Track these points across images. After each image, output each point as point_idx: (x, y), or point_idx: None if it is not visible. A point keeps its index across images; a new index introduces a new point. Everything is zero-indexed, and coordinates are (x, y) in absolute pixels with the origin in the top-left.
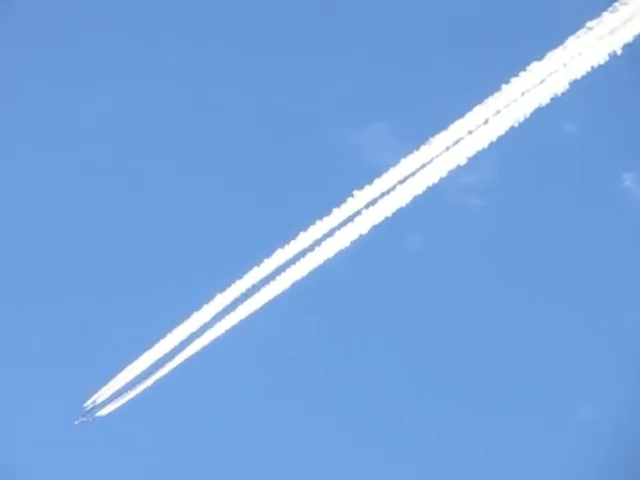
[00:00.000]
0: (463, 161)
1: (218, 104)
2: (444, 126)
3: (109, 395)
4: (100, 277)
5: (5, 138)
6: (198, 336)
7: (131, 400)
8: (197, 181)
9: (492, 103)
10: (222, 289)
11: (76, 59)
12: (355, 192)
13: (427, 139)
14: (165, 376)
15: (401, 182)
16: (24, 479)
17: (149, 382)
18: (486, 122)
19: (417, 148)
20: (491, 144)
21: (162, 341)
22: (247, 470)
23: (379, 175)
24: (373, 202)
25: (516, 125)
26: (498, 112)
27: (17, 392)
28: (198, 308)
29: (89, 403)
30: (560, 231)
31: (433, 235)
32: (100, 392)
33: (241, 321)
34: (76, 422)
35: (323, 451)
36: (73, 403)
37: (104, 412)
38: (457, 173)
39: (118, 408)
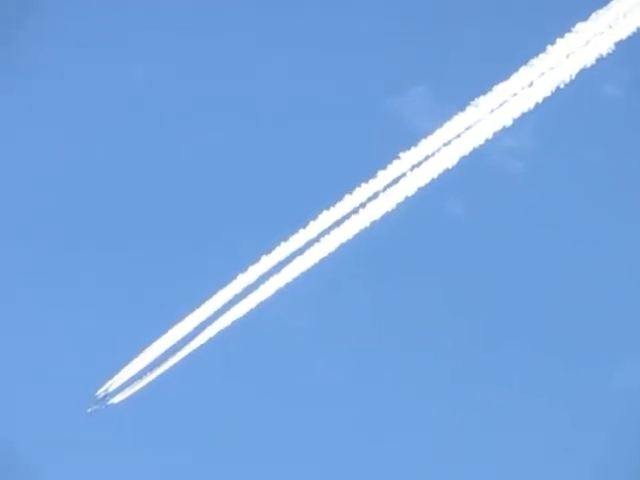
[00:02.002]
0: (505, 125)
1: (256, 71)
2: (487, 89)
3: (122, 382)
4: (147, 242)
5: (38, 108)
6: (239, 301)
7: (156, 379)
8: (238, 147)
9: (538, 64)
10: (268, 251)
11: (108, 26)
12: (400, 155)
13: (468, 103)
14: (187, 356)
15: (441, 147)
16: (37, 467)
17: (171, 363)
18: (531, 85)
19: (458, 112)
20: (533, 107)
21: (207, 303)
22: (284, 448)
23: (419, 140)
24: (414, 167)
25: (561, 87)
26: (543, 74)
27: (30, 380)
28: (244, 270)
29: (101, 391)
30: (602, 193)
31: (474, 199)
32: (114, 379)
33: (286, 284)
34: (88, 410)
35: (370, 417)
36: (87, 390)
37: (117, 400)
38: (498, 137)
39: (134, 394)
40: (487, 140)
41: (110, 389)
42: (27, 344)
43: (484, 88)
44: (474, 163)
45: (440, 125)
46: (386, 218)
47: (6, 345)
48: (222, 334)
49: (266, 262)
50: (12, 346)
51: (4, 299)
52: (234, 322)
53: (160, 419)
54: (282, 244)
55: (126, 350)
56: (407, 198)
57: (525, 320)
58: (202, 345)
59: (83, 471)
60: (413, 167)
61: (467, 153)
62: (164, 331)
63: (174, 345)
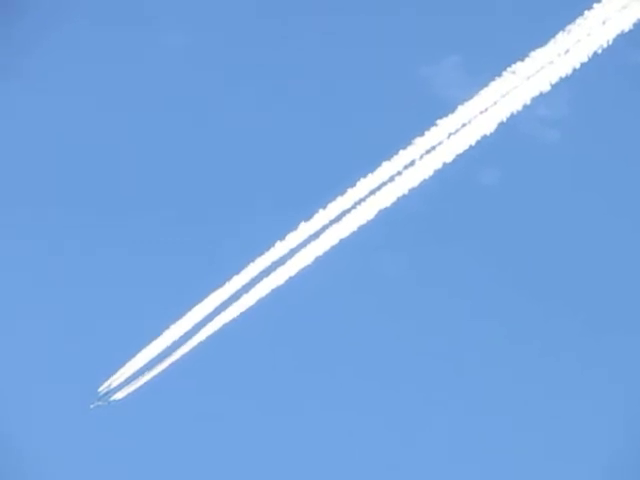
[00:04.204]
0: (539, 93)
1: (289, 40)
2: (521, 56)
3: (125, 378)
4: (181, 206)
5: (76, 79)
6: (276, 269)
7: (159, 374)
8: (277, 114)
9: (575, 30)
10: (307, 218)
11: None
12: (437, 122)
13: (502, 73)
14: (198, 346)
15: (475, 116)
16: (40, 463)
17: (174, 357)
18: (567, 51)
19: (495, 78)
20: (567, 75)
21: (245, 270)
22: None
23: (453, 109)
24: (449, 135)
25: (598, 52)
26: (579, 41)
27: (33, 376)
28: (282, 237)
29: (104, 387)
30: (637, 162)
31: (508, 169)
32: (116, 375)
33: (325, 252)
34: (91, 406)
35: (410, 381)
36: (90, 386)
37: (119, 396)
38: (533, 106)
39: (136, 390)
40: (524, 106)
41: (112, 385)
42: (28, 341)
43: (519, 56)
44: (509, 132)
45: (476, 92)
46: (423, 186)
47: (7, 343)
48: (248, 312)
49: (305, 229)
50: (13, 344)
51: (6, 297)
52: (270, 292)
53: (164, 415)
54: (320, 211)
55: (129, 346)
56: (444, 165)
57: (561, 289)
58: (213, 334)
59: (86, 467)
60: (450, 134)
61: (505, 119)
62: (166, 327)
63: (176, 341)
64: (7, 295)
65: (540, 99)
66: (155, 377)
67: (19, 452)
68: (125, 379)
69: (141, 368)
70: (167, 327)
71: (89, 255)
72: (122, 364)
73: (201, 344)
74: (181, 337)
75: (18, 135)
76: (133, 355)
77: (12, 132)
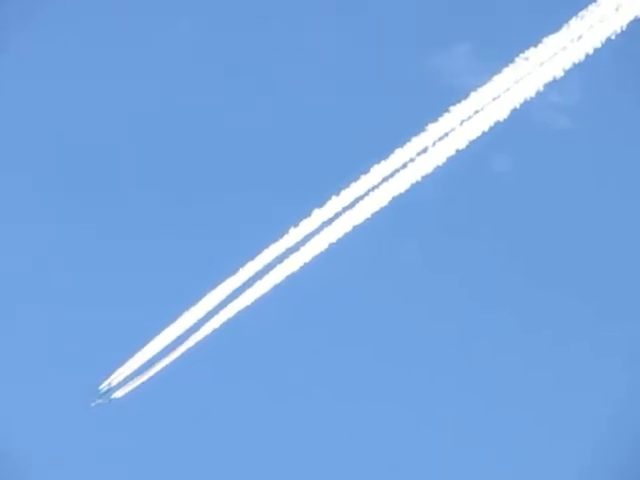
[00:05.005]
0: (552, 79)
1: (303, 27)
2: (532, 43)
3: (126, 376)
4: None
5: (88, 65)
6: (290, 255)
7: (158, 373)
8: (292, 103)
9: (588, 16)
10: (320, 205)
11: None
12: (450, 109)
13: (513, 59)
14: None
15: (488, 102)
16: (41, 461)
17: (176, 354)
18: (580, 37)
19: (508, 64)
20: (580, 61)
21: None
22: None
23: (465, 96)
24: (461, 122)
25: (612, 38)
26: (592, 27)
27: (34, 374)
28: (296, 224)
29: (104, 385)
30: None
31: (520, 156)
32: (117, 373)
33: (338, 239)
34: (92, 404)
35: (422, 366)
36: (92, 384)
37: (120, 394)
38: (545, 93)
39: (139, 387)
40: (537, 93)
41: (113, 383)
42: (29, 339)
43: (532, 42)
44: (521, 119)
45: (489, 79)
46: (436, 173)
47: (9, 342)
48: (262, 299)
49: (318, 216)
50: (14, 341)
51: (6, 295)
52: (284, 279)
53: (166, 412)
54: (334, 198)
55: (130, 343)
56: (457, 152)
57: (572, 277)
58: (226, 321)
59: (87, 465)
60: (462, 121)
61: (518, 105)
62: (167, 324)
63: (187, 330)
64: (7, 294)
65: (552, 86)
66: (158, 373)
67: (20, 451)
68: (126, 377)
69: (142, 365)
70: (174, 320)
71: (92, 245)
72: (123, 362)
73: (214, 332)
74: (193, 325)
75: (19, 126)
76: (134, 353)
77: (14, 126)
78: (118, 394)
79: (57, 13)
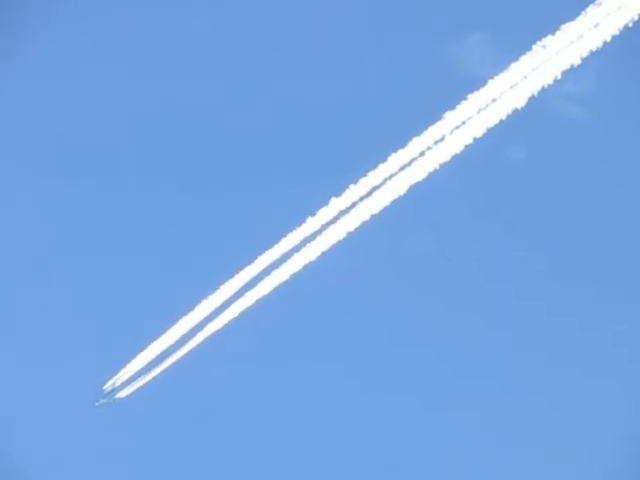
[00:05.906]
0: (570, 67)
1: (322, 20)
2: (550, 31)
3: (130, 375)
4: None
5: (89, 65)
6: (306, 245)
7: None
8: (310, 93)
9: (607, 3)
10: (338, 194)
11: None
12: (468, 96)
13: (532, 46)
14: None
15: (502, 93)
16: (45, 461)
17: (181, 353)
18: (596, 25)
19: (522, 54)
20: (597, 49)
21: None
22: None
23: (480, 85)
24: (479, 110)
25: (630, 26)
26: (609, 14)
27: (38, 373)
28: (313, 213)
29: (108, 385)
30: None
31: (535, 145)
32: (122, 372)
33: (355, 228)
34: (96, 404)
35: (442, 356)
36: (96, 383)
37: (124, 394)
38: (561, 82)
39: (143, 386)
40: (555, 80)
41: (118, 383)
42: (33, 339)
43: (548, 30)
44: (536, 109)
45: (497, 73)
46: (453, 162)
47: (12, 341)
48: (280, 288)
49: (336, 205)
50: (18, 341)
51: (8, 295)
52: (301, 268)
53: (170, 412)
54: (351, 187)
55: (136, 342)
56: (474, 140)
57: (587, 265)
58: (244, 310)
59: (92, 464)
60: (480, 109)
61: (535, 93)
62: (168, 325)
63: (182, 336)
64: (11, 292)
65: (567, 75)
66: (162, 373)
67: (24, 451)
68: (130, 377)
69: (146, 365)
70: (180, 317)
71: (98, 242)
72: (127, 361)
73: (224, 326)
74: (197, 324)
75: (22, 123)
76: (138, 352)
77: (16, 122)
78: (122, 394)
79: (62, 18)
